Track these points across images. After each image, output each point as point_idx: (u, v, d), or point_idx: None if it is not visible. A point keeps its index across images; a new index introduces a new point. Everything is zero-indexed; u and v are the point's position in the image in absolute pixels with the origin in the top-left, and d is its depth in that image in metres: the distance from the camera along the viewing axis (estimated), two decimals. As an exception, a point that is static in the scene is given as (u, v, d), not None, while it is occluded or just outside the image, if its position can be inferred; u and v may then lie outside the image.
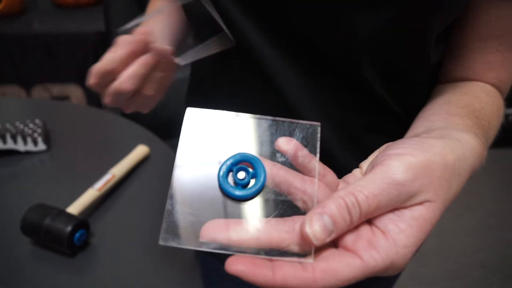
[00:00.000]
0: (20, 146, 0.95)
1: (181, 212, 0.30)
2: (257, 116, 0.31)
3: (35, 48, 1.99)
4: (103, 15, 1.86)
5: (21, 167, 0.93)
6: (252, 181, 0.29)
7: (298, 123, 0.30)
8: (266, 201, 0.29)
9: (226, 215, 0.29)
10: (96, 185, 0.81)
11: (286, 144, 0.29)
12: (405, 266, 0.26)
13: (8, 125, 0.96)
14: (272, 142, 0.30)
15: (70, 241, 0.69)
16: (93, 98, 2.07)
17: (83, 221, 0.72)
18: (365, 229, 0.27)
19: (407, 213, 0.26)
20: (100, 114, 1.16)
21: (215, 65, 0.55)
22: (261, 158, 0.30)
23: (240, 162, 0.30)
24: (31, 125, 0.98)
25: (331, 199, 0.26)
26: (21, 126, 0.97)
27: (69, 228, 0.68)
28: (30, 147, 0.95)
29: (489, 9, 0.43)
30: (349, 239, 0.27)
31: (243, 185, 0.29)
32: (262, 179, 0.29)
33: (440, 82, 0.51)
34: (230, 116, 0.31)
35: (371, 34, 0.42)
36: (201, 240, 0.28)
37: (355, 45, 0.43)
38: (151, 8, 0.58)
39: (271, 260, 0.27)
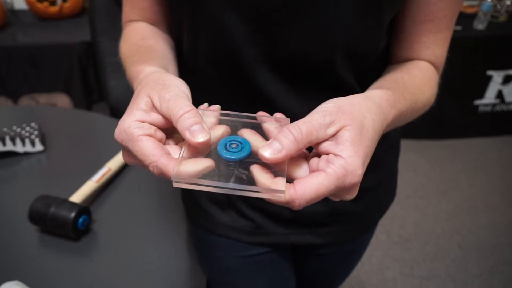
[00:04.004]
0: (19, 148, 1.01)
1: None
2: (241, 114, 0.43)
3: (20, 60, 2.03)
4: (88, 25, 1.91)
5: (21, 167, 0.99)
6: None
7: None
8: (247, 163, 0.38)
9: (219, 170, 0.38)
10: (94, 177, 0.88)
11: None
12: (360, 173, 0.36)
13: (6, 129, 1.02)
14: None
15: (75, 226, 0.76)
16: (80, 105, 2.12)
17: (85, 208, 0.79)
18: (322, 158, 0.37)
19: (338, 139, 0.37)
20: (90, 116, 1.23)
21: (205, 70, 0.59)
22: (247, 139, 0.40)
23: (233, 141, 0.40)
24: (27, 128, 1.05)
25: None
26: (19, 130, 1.04)
27: (73, 214, 0.76)
28: (28, 148, 1.02)
29: None
30: (314, 163, 0.37)
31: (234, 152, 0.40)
32: (247, 148, 0.39)
33: (390, 63, 0.60)
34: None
35: (342, 31, 0.50)
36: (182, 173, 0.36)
37: (331, 45, 0.52)
38: (136, 76, 0.50)
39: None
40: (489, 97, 2.58)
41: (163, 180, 0.95)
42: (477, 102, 2.60)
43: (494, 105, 2.62)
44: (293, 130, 0.36)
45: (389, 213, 0.84)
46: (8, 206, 0.88)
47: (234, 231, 0.70)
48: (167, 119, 0.39)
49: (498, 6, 2.43)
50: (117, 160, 0.95)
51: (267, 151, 0.35)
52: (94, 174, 0.90)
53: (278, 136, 0.36)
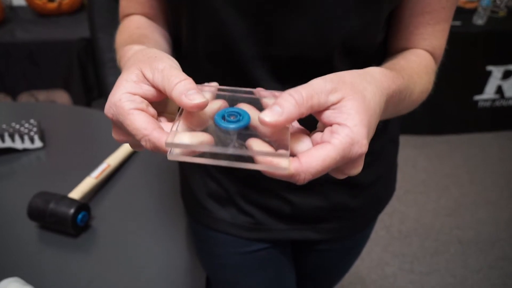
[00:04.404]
0: (18, 144, 1.01)
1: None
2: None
3: (19, 57, 2.03)
4: (87, 21, 1.90)
5: (20, 163, 0.99)
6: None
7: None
8: (246, 135, 0.36)
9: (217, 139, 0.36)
10: (93, 174, 0.88)
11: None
12: (365, 142, 0.35)
13: (5, 126, 1.02)
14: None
15: (74, 222, 0.76)
16: (79, 102, 2.12)
17: (84, 204, 0.79)
18: (326, 130, 0.35)
19: (341, 108, 0.35)
20: (89, 112, 1.23)
21: (203, 66, 0.58)
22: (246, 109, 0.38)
23: (232, 113, 0.38)
24: (26, 125, 1.05)
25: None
26: (17, 126, 1.04)
27: (72, 210, 0.75)
28: (28, 144, 1.02)
29: None
30: (317, 136, 0.36)
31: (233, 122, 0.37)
32: (246, 119, 0.37)
33: (388, 54, 0.60)
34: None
35: (340, 26, 0.50)
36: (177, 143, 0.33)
37: (329, 41, 0.52)
38: (124, 54, 0.50)
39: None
40: (489, 92, 2.57)
41: (162, 176, 0.95)
42: (477, 97, 2.60)
43: (493, 100, 2.62)
44: (294, 93, 0.34)
45: (388, 209, 0.84)
46: (7, 202, 0.88)
47: (234, 227, 0.70)
48: (159, 92, 0.37)
49: (498, 1, 2.43)
50: (116, 157, 0.95)
51: (268, 115, 0.33)
52: (93, 170, 0.90)
53: (278, 100, 0.34)
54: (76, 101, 2.13)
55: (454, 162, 2.48)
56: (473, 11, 2.40)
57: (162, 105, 0.39)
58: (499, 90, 2.57)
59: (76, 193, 0.82)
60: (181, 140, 0.34)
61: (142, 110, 0.35)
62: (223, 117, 0.37)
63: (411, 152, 2.53)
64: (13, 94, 2.12)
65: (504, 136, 2.73)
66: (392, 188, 0.79)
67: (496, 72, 2.49)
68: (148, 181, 0.94)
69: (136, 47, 0.47)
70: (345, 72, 0.39)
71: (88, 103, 2.17)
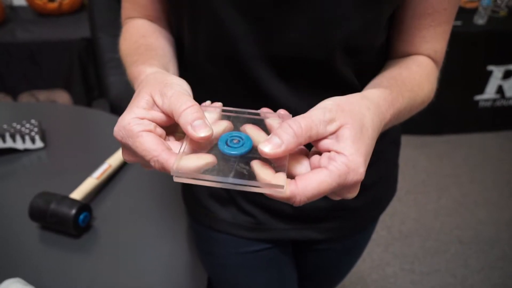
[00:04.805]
0: (19, 145, 1.01)
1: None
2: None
3: (19, 57, 2.03)
4: (87, 21, 1.90)
5: (21, 163, 0.99)
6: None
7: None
8: (248, 158, 0.38)
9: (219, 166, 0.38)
10: (94, 174, 0.88)
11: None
12: (362, 171, 0.36)
13: (6, 126, 1.02)
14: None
15: (75, 222, 0.76)
16: (80, 102, 2.12)
17: (85, 205, 0.79)
18: (324, 155, 0.36)
19: (339, 137, 0.36)
20: (90, 112, 1.23)
21: (205, 67, 0.58)
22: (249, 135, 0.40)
23: (234, 137, 0.40)
24: (27, 125, 1.05)
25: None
26: (18, 126, 1.04)
27: (73, 211, 0.76)
28: (29, 145, 1.02)
29: None
30: (315, 160, 0.37)
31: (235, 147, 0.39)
32: (248, 144, 0.39)
33: (390, 58, 0.60)
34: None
35: (341, 26, 0.50)
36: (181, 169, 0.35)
37: (330, 41, 0.52)
38: (138, 76, 0.49)
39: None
40: (489, 92, 2.57)
41: (164, 176, 0.95)
42: (477, 97, 2.60)
43: (494, 100, 2.62)
44: (293, 124, 0.35)
45: (389, 209, 0.85)
46: (8, 203, 0.88)
47: (235, 227, 0.70)
48: (168, 116, 0.38)
49: (499, 1, 2.43)
50: (117, 157, 0.95)
51: (267, 146, 0.35)
52: (94, 170, 0.90)
53: (277, 131, 0.35)
54: (76, 101, 2.13)
55: (455, 162, 2.48)
56: (474, 10, 2.40)
57: (173, 126, 0.40)
58: (500, 90, 2.57)
59: (78, 194, 0.82)
60: (187, 163, 0.35)
61: (150, 131, 0.37)
62: (227, 142, 0.39)
63: (412, 152, 2.53)
64: (14, 94, 2.12)
65: (504, 136, 2.73)
66: (393, 189, 0.79)
67: (497, 72, 2.49)
68: (149, 182, 0.94)
69: (148, 70, 0.48)
70: (345, 98, 0.40)
71: (88, 103, 2.17)
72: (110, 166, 0.92)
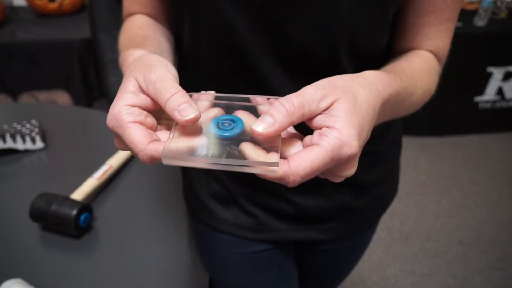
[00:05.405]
0: (19, 145, 1.01)
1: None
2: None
3: (19, 57, 2.02)
4: (88, 22, 1.90)
5: (22, 164, 0.99)
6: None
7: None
8: (239, 140, 0.37)
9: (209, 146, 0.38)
10: (95, 175, 0.88)
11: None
12: (355, 143, 0.35)
13: (6, 126, 1.02)
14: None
15: (76, 223, 0.76)
16: (80, 102, 2.12)
17: (86, 205, 0.78)
18: (315, 133, 0.36)
19: (331, 112, 0.36)
20: (91, 113, 1.23)
21: (206, 65, 0.58)
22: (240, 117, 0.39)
23: (225, 120, 0.39)
24: (28, 126, 1.04)
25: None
26: (19, 127, 1.03)
27: (74, 212, 0.75)
28: (29, 145, 1.01)
29: None
30: (307, 140, 0.36)
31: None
32: (239, 126, 0.38)
33: (393, 55, 0.60)
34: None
35: (344, 22, 0.50)
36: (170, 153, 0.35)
37: (334, 37, 0.51)
38: (125, 59, 0.50)
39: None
40: (490, 93, 2.57)
41: (164, 176, 0.95)
42: (478, 98, 2.59)
43: (494, 101, 2.62)
44: (285, 103, 0.35)
45: (389, 210, 0.84)
46: (9, 203, 0.87)
47: (237, 228, 0.70)
48: (155, 101, 0.38)
49: (499, 3, 2.43)
50: (118, 157, 0.95)
51: (260, 126, 0.34)
52: (95, 171, 0.90)
53: (270, 110, 0.35)
54: (77, 101, 2.13)
55: (455, 163, 2.48)
56: (474, 12, 2.40)
57: (161, 110, 0.39)
58: (500, 91, 2.57)
59: (78, 194, 0.82)
60: (176, 145, 0.35)
61: (140, 122, 0.37)
62: (218, 125, 0.38)
63: (412, 154, 2.53)
64: (14, 94, 2.11)
65: (504, 137, 2.73)
66: (395, 189, 0.79)
67: (497, 73, 2.49)
68: (150, 182, 0.93)
69: (136, 53, 0.48)
70: (337, 76, 0.39)
71: (89, 104, 2.17)
72: (110, 166, 0.92)
